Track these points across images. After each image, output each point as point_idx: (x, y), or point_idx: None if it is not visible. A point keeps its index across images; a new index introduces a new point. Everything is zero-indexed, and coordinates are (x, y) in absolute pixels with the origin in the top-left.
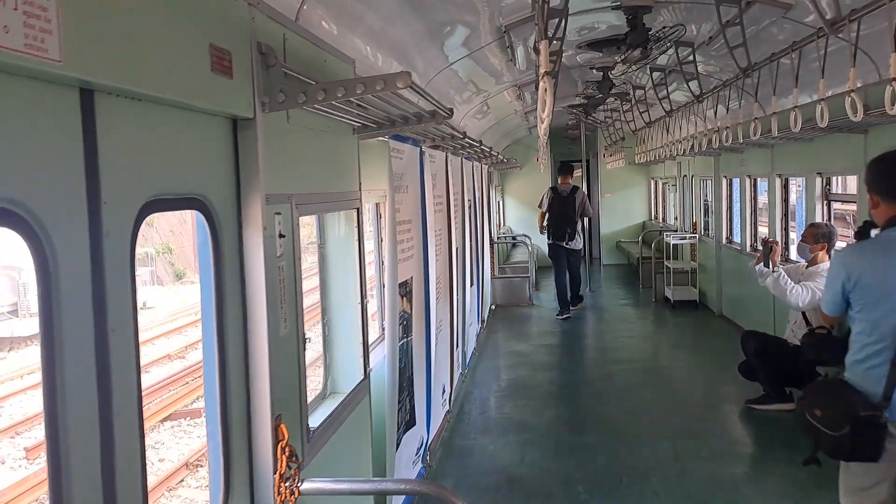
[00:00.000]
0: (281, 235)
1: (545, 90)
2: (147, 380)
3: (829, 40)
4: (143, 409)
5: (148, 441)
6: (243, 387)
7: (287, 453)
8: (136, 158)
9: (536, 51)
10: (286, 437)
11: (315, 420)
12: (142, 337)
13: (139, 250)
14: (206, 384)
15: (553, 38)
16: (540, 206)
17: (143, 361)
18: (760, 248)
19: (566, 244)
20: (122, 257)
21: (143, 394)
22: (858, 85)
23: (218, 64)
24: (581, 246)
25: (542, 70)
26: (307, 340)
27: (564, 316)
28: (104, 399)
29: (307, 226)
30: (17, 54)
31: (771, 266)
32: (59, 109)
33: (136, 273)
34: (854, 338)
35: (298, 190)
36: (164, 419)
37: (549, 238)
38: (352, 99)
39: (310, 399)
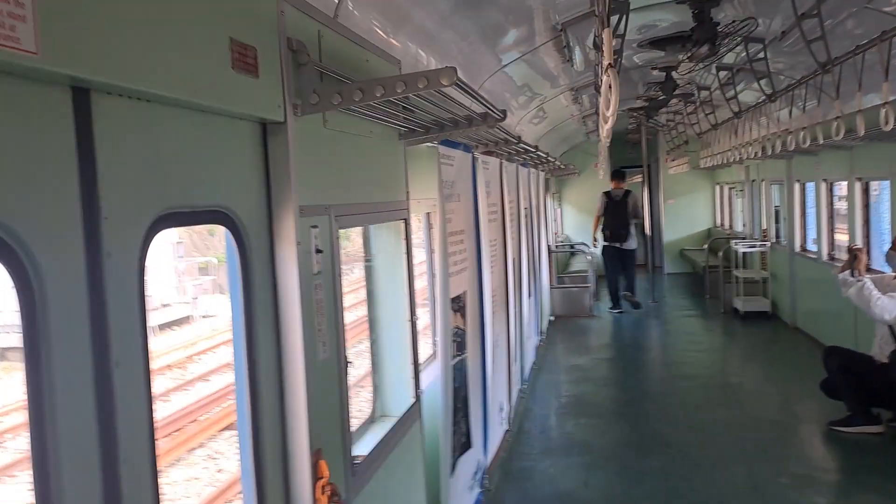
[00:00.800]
0: (318, 251)
1: (609, 85)
2: (207, 388)
3: None
4: (167, 440)
5: (206, 451)
6: (278, 419)
7: (328, 493)
8: (145, 167)
9: (596, 47)
10: (327, 475)
11: (362, 448)
12: (204, 345)
13: (201, 259)
14: (238, 417)
15: (614, 33)
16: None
17: (204, 369)
18: (846, 255)
19: (620, 245)
20: (127, 280)
21: (201, 405)
22: None
23: (240, 61)
24: (635, 246)
25: (605, 62)
26: (349, 364)
27: (618, 310)
28: (108, 444)
29: (356, 237)
30: None
31: (856, 275)
32: (45, 111)
33: (148, 293)
34: None
35: (338, 200)
36: (223, 428)
37: (603, 240)
38: (394, 100)
39: (357, 424)
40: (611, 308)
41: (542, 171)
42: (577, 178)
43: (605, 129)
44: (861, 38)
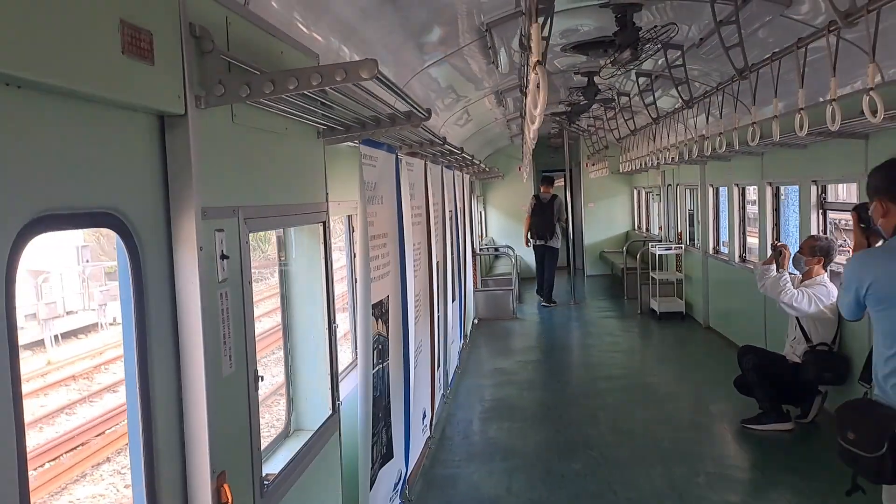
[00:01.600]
0: (223, 256)
1: (538, 83)
2: (115, 399)
3: (840, 35)
4: (70, 455)
5: (114, 466)
6: (177, 441)
7: None
8: (14, 163)
9: (522, 47)
10: (229, 497)
11: (273, 466)
12: (112, 353)
13: (109, 263)
14: (130, 439)
15: (549, 36)
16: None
17: (112, 379)
18: (769, 252)
19: (546, 243)
20: None
21: (108, 417)
22: (878, 81)
23: (132, 45)
24: (558, 246)
25: (533, 59)
26: (260, 379)
27: (548, 304)
28: None
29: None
30: None
31: (780, 271)
32: None
33: (19, 306)
34: (877, 352)
35: (248, 202)
36: None
37: (532, 239)
38: (312, 95)
39: (271, 439)
40: (543, 302)
41: (467, 173)
42: (502, 181)
43: (532, 130)
44: (775, 46)
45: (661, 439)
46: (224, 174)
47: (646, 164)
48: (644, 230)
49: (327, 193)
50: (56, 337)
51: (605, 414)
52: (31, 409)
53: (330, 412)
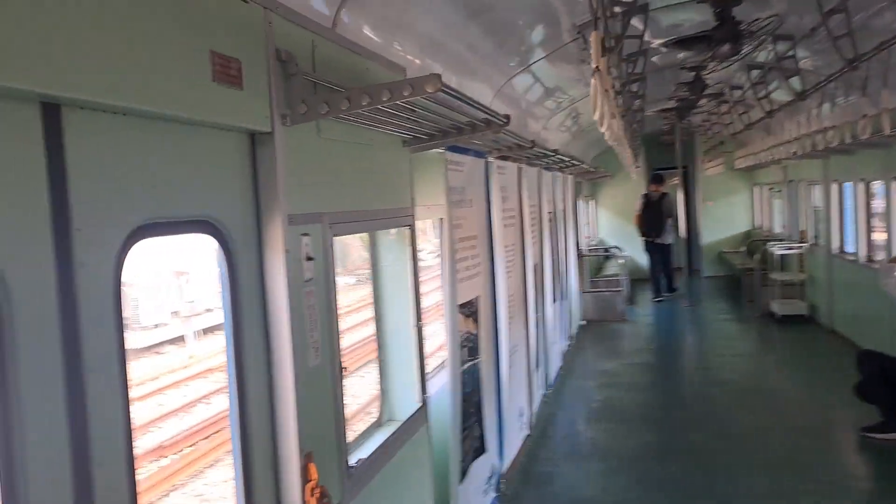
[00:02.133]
0: (309, 258)
1: (596, 90)
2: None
3: None
4: (206, 441)
5: None
6: (268, 423)
7: (318, 495)
8: (121, 179)
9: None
10: (315, 477)
11: (364, 452)
12: None
13: None
14: (230, 421)
15: (624, 36)
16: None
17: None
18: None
19: (656, 240)
20: (102, 291)
21: None
22: None
23: (222, 73)
24: (671, 241)
25: (592, 65)
26: (343, 370)
27: (658, 300)
28: (79, 456)
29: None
30: None
31: None
32: (9, 127)
33: (123, 303)
34: None
35: (333, 208)
36: None
37: (643, 236)
38: (395, 109)
39: (365, 428)
40: (653, 299)
41: (571, 174)
42: (612, 181)
43: (607, 134)
44: (890, 33)
45: (771, 446)
46: (310, 183)
47: (762, 160)
48: (766, 229)
49: (413, 198)
50: (197, 333)
51: (713, 419)
52: (175, 399)
53: (419, 405)
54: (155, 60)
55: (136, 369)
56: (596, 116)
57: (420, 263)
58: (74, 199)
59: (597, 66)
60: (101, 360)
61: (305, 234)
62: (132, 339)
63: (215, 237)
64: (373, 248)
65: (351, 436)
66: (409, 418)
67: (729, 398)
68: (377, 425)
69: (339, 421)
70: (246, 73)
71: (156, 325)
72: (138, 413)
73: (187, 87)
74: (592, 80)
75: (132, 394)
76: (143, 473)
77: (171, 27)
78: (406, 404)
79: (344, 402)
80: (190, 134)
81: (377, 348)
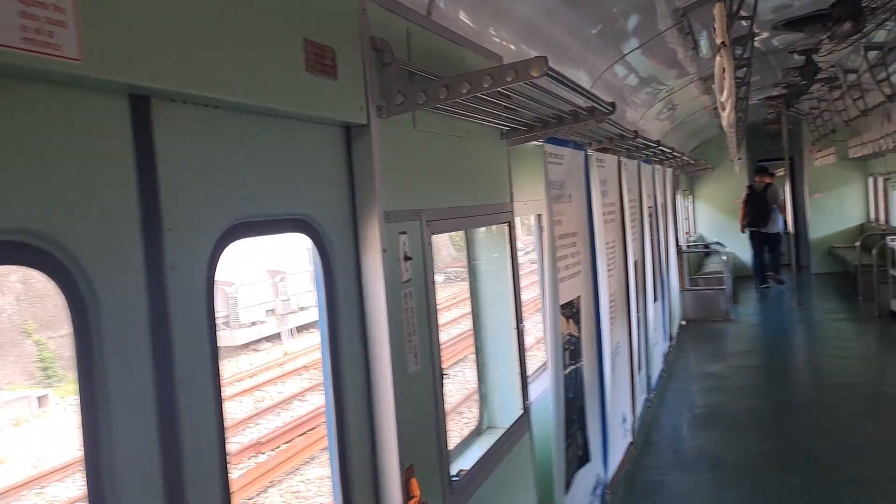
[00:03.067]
0: (407, 258)
1: (723, 68)
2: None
3: None
4: (302, 438)
5: None
6: (367, 434)
7: None
8: (214, 176)
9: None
10: (417, 494)
11: (464, 462)
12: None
13: None
14: (327, 430)
15: (737, 16)
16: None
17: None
18: None
19: (762, 229)
20: (194, 293)
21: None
22: None
23: (316, 62)
24: (776, 230)
25: (718, 40)
26: (444, 376)
27: (764, 286)
28: (172, 468)
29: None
30: (12, 51)
31: None
32: (98, 120)
33: (217, 308)
34: None
35: (431, 205)
36: None
37: (748, 226)
38: (493, 98)
39: (464, 435)
40: (759, 285)
41: (670, 167)
42: (711, 174)
43: (726, 119)
44: None
45: None
46: (407, 179)
47: (881, 147)
48: (882, 222)
49: (512, 193)
50: (292, 330)
51: (832, 426)
52: (271, 395)
53: (521, 412)
54: (245, 49)
55: (235, 366)
56: (723, 97)
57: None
58: (165, 197)
59: (723, 42)
60: (193, 366)
61: (403, 233)
62: (231, 337)
63: (311, 236)
64: (469, 245)
65: (450, 444)
66: (511, 426)
67: (849, 404)
68: (477, 433)
69: (441, 431)
70: (340, 62)
71: (253, 323)
72: (236, 410)
73: (280, 78)
74: (717, 58)
75: (229, 391)
76: (240, 470)
77: (261, 13)
78: (507, 411)
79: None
80: (283, 127)
81: (475, 351)
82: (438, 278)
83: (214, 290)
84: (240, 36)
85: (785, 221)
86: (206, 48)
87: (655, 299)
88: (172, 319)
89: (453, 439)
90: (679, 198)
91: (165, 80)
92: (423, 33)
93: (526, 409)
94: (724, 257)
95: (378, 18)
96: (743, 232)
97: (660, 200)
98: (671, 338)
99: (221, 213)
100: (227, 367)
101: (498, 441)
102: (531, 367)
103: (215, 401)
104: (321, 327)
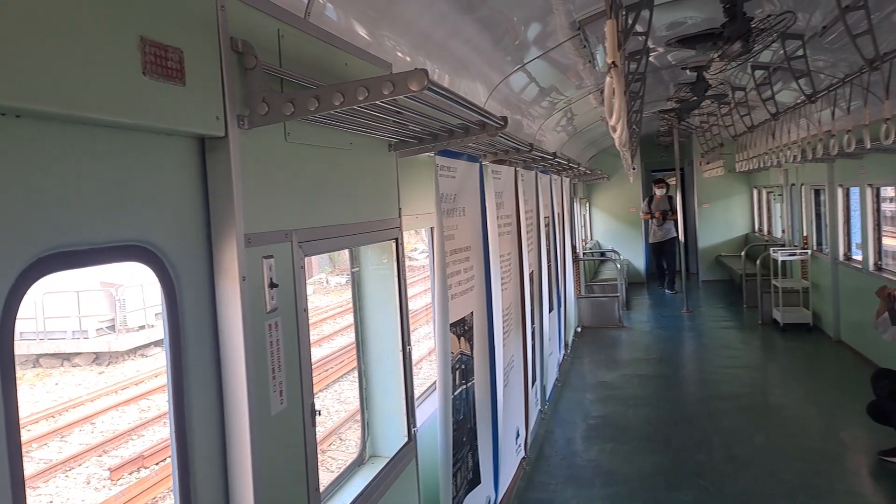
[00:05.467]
0: (273, 285)
1: (612, 89)
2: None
3: None
4: None
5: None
6: (220, 486)
7: None
8: (18, 198)
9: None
10: None
11: (347, 495)
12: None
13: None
14: (173, 486)
15: (632, 31)
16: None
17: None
18: (882, 300)
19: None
20: None
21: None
22: None
23: (156, 65)
24: (674, 234)
25: (608, 59)
26: (318, 413)
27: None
28: None
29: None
30: None
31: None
32: None
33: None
34: None
35: (304, 224)
36: None
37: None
38: (362, 108)
39: (346, 465)
40: (662, 286)
41: (567, 177)
42: (607, 182)
43: (617, 139)
44: None
45: (785, 470)
46: (276, 197)
47: (765, 162)
48: (766, 233)
49: (400, 208)
50: None
51: (720, 438)
52: (158, 404)
53: (406, 440)
54: (57, 46)
55: (120, 373)
56: (612, 121)
57: (412, 263)
58: None
59: (613, 62)
60: None
61: (269, 257)
62: (117, 342)
63: (152, 266)
64: (355, 262)
65: (328, 477)
66: (395, 455)
67: (736, 415)
68: (359, 463)
69: (312, 473)
70: (189, 65)
71: (141, 327)
72: (118, 421)
73: (106, 82)
74: (607, 79)
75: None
76: (119, 486)
77: (80, 3)
78: (392, 439)
79: (320, 449)
80: (113, 139)
81: (358, 375)
82: (342, 280)
83: (13, 338)
84: (49, 29)
85: (676, 228)
86: (5, 48)
87: (551, 309)
88: None
89: (336, 471)
90: (576, 205)
91: None
92: (299, 35)
93: (412, 436)
94: (619, 265)
95: (240, 17)
96: (652, 218)
97: (557, 210)
98: (566, 346)
99: (24, 243)
100: (112, 375)
101: (381, 471)
102: (423, 386)
103: (11, 479)
104: (167, 371)
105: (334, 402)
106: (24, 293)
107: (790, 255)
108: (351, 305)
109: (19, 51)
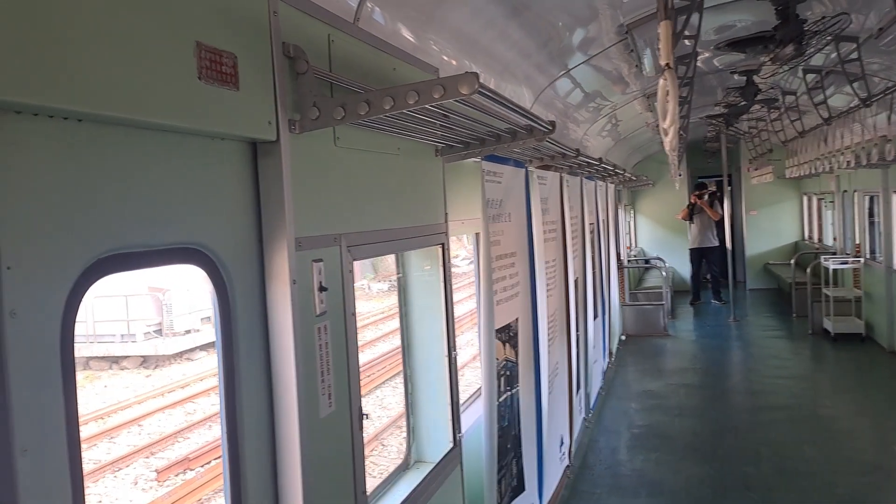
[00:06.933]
0: (322, 288)
1: (666, 91)
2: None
3: None
4: None
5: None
6: (270, 488)
7: None
8: (76, 200)
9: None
10: None
11: (392, 500)
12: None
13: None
14: (224, 488)
15: (682, 35)
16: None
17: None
18: None
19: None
20: (44, 345)
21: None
22: None
23: (211, 70)
24: (713, 243)
25: (662, 62)
26: (365, 416)
27: (697, 302)
28: None
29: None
30: None
31: None
32: None
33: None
34: None
35: (352, 228)
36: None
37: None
38: (426, 114)
39: (390, 470)
40: (692, 301)
41: (612, 182)
42: (652, 189)
43: (667, 141)
44: None
45: (836, 483)
46: (325, 201)
47: (816, 168)
48: (816, 241)
49: (447, 213)
50: None
51: (769, 450)
52: (203, 408)
53: (451, 445)
54: (118, 52)
55: (167, 376)
56: (666, 123)
57: (454, 270)
58: (6, 228)
59: (667, 63)
60: (40, 435)
61: (318, 261)
62: (164, 346)
63: (205, 268)
64: (400, 268)
65: (372, 482)
66: (440, 461)
67: (785, 427)
68: (403, 468)
69: (360, 479)
70: (243, 70)
71: (187, 331)
72: (165, 423)
73: (163, 86)
74: (661, 81)
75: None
76: (166, 488)
77: (139, 11)
78: (437, 444)
79: (365, 453)
80: (169, 143)
81: (403, 380)
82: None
83: (74, 338)
84: (109, 36)
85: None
86: (61, 51)
87: (596, 316)
88: (11, 379)
89: (378, 476)
90: (621, 212)
91: (9, 89)
92: (348, 41)
93: (457, 441)
94: (664, 273)
95: (293, 23)
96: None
97: (601, 216)
98: (611, 354)
99: (86, 244)
100: (158, 378)
101: (427, 477)
102: (466, 392)
103: (71, 476)
104: (219, 372)
105: (376, 408)
106: (84, 294)
107: (842, 264)
108: (394, 311)
109: (81, 56)
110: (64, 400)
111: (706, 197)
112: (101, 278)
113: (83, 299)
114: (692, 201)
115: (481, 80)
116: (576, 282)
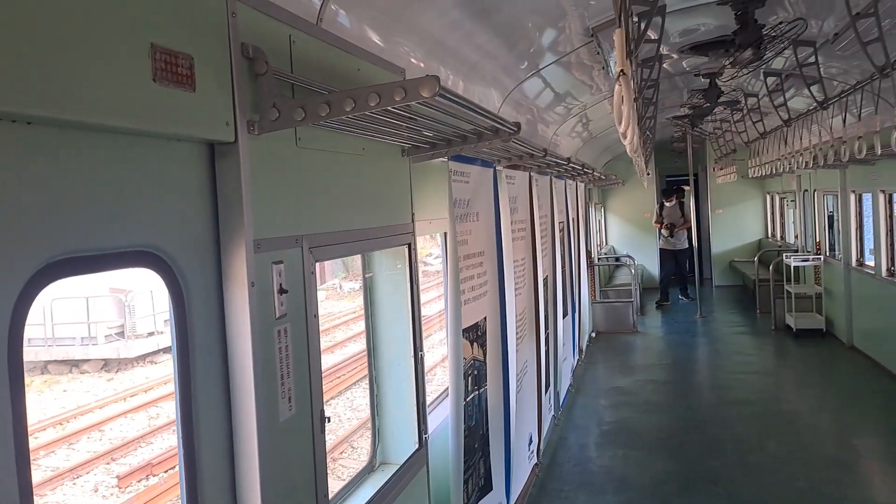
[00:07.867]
0: (282, 291)
1: (621, 97)
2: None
3: None
4: None
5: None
6: (228, 494)
7: None
8: (26, 204)
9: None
10: None
11: (356, 501)
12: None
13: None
14: (180, 493)
15: (643, 38)
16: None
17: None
18: None
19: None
20: None
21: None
22: None
23: (166, 71)
24: (685, 245)
25: (616, 68)
26: (326, 420)
27: (664, 303)
28: None
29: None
30: None
31: None
32: None
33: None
34: None
35: (315, 229)
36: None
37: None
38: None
39: (356, 472)
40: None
41: (582, 182)
42: (622, 188)
43: (628, 146)
44: None
45: (798, 477)
46: (286, 202)
47: (777, 168)
48: (779, 238)
49: (413, 213)
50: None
51: (733, 445)
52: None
53: (416, 446)
54: (68, 53)
55: (129, 380)
56: (621, 128)
57: (427, 268)
58: None
59: (622, 70)
60: None
61: (278, 262)
62: (126, 349)
63: (159, 271)
64: (366, 268)
65: (337, 485)
66: (405, 462)
67: (749, 421)
68: (369, 470)
69: (321, 482)
70: (200, 71)
71: (150, 334)
72: (127, 428)
73: (116, 88)
74: (616, 87)
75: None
76: (128, 494)
77: (92, 12)
78: (403, 445)
79: (333, 456)
80: (122, 145)
81: (369, 381)
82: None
83: (22, 343)
84: (61, 38)
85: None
86: (10, 52)
87: (565, 314)
88: None
89: (347, 479)
90: (591, 210)
91: None
92: (310, 41)
93: (423, 442)
94: (633, 270)
95: (252, 24)
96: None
97: (571, 215)
98: (581, 351)
99: (33, 248)
100: (121, 382)
101: (391, 479)
102: (436, 392)
103: (19, 485)
104: (174, 377)
105: (346, 410)
106: (34, 299)
107: (803, 261)
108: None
109: (30, 58)
110: (11, 407)
111: (674, 199)
112: (52, 282)
113: (33, 304)
114: (665, 202)
115: (447, 82)
116: (545, 280)
